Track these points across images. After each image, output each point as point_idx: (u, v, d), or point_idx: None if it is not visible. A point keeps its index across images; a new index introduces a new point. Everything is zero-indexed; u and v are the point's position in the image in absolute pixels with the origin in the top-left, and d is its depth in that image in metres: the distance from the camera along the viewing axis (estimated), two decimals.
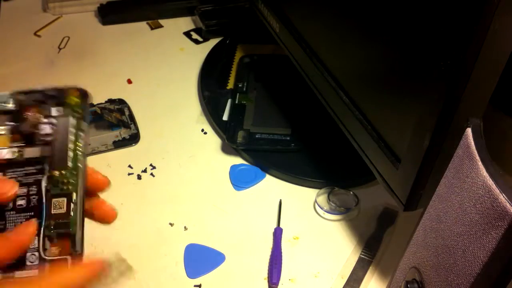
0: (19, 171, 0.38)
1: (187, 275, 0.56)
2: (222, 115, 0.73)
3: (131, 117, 0.73)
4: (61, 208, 0.38)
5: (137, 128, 0.72)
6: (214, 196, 0.64)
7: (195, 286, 0.55)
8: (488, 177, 0.33)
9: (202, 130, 0.73)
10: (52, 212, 0.38)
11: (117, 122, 0.72)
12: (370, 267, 0.57)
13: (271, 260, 0.57)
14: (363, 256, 0.58)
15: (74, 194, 0.38)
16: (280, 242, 0.59)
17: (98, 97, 0.75)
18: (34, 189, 0.38)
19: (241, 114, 0.71)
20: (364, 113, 0.52)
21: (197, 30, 0.93)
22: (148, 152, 0.69)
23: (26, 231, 0.36)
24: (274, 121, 0.71)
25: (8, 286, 0.34)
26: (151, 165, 0.68)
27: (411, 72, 0.44)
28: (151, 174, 0.67)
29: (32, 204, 0.38)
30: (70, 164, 0.39)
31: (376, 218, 0.62)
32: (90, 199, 0.42)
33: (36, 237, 0.37)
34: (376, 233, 0.60)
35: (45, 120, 0.40)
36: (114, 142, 0.70)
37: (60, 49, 0.87)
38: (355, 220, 0.62)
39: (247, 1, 0.90)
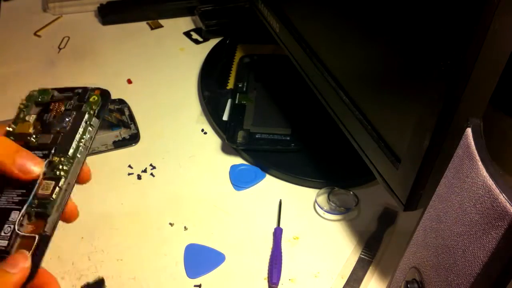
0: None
1: (187, 275, 0.56)
2: (222, 115, 0.73)
3: (131, 117, 0.73)
4: (47, 190, 0.40)
5: (137, 128, 0.72)
6: (214, 196, 0.64)
7: (195, 286, 0.55)
8: (488, 177, 0.33)
9: (202, 130, 0.73)
10: (39, 192, 0.40)
11: (117, 122, 0.72)
12: (370, 267, 0.57)
13: (271, 260, 0.57)
14: (363, 256, 0.58)
15: (63, 180, 0.41)
16: (280, 242, 0.59)
17: None
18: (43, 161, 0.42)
19: (241, 114, 0.71)
20: (364, 113, 0.52)
21: (197, 30, 0.93)
22: (148, 152, 0.69)
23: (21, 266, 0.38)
24: (274, 121, 0.71)
25: None
26: (151, 165, 0.68)
27: (411, 72, 0.44)
28: (151, 174, 0.67)
29: (28, 183, 0.40)
30: (70, 152, 0.42)
31: (376, 218, 0.62)
32: None
33: (18, 212, 0.40)
34: (376, 233, 0.60)
35: (65, 113, 0.45)
36: (114, 142, 0.70)
37: (60, 49, 0.87)
38: (355, 220, 0.62)
39: (247, 1, 0.90)
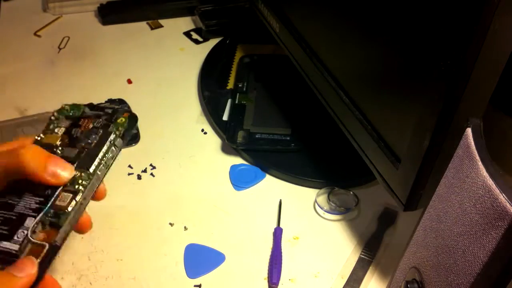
0: None
1: (187, 275, 0.56)
2: (222, 115, 0.73)
3: None
4: (64, 201, 0.42)
5: (137, 128, 0.72)
6: (214, 196, 0.64)
7: (195, 286, 0.55)
8: (488, 177, 0.33)
9: (202, 130, 0.73)
10: (56, 203, 0.41)
11: None
12: (370, 267, 0.57)
13: (271, 260, 0.57)
14: (363, 256, 0.58)
15: (80, 195, 0.42)
16: (280, 242, 0.59)
17: (98, 97, 0.75)
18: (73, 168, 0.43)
19: (241, 114, 0.71)
20: (364, 113, 0.52)
21: (197, 30, 0.93)
22: (148, 152, 0.69)
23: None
24: (274, 121, 0.71)
25: None
26: (151, 165, 0.68)
27: (411, 72, 0.44)
28: (151, 174, 0.67)
29: (47, 192, 0.42)
30: (91, 169, 0.44)
31: (376, 218, 0.62)
32: None
33: (33, 219, 0.41)
34: (376, 233, 0.60)
35: (93, 130, 0.46)
36: None
37: (60, 49, 0.87)
38: (355, 220, 0.62)
39: (247, 1, 0.90)
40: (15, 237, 0.39)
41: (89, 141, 0.45)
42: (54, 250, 0.40)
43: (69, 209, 0.41)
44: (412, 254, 0.45)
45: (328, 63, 0.58)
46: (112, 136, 0.46)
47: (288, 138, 0.69)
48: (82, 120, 0.47)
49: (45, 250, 0.39)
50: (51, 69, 0.83)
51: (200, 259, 0.57)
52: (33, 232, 0.40)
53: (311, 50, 0.61)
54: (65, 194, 0.42)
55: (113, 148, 0.45)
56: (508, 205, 0.31)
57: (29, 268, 0.37)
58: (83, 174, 0.43)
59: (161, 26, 0.94)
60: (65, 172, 0.41)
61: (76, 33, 0.90)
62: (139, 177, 0.66)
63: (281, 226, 0.61)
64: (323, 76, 0.58)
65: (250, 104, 0.73)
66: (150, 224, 0.61)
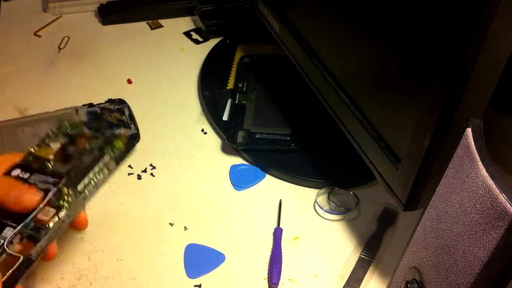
0: (42, 177, 0.44)
1: (187, 275, 0.56)
2: (222, 115, 0.73)
3: (131, 117, 0.73)
4: (46, 216, 0.42)
5: (137, 128, 0.72)
6: (214, 196, 0.64)
7: (195, 286, 0.55)
8: (488, 177, 0.33)
9: (202, 130, 0.73)
10: (38, 216, 0.41)
11: (117, 122, 0.72)
12: (370, 267, 0.57)
13: (271, 260, 0.57)
14: (363, 256, 0.58)
15: (63, 212, 0.42)
16: (280, 242, 0.59)
17: (98, 97, 0.75)
18: (41, 193, 0.43)
19: (241, 114, 0.71)
20: (364, 113, 0.52)
21: (197, 30, 0.93)
22: (148, 152, 0.69)
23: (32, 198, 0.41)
24: (274, 121, 0.71)
25: None
26: (151, 165, 0.68)
27: (411, 72, 0.44)
28: (151, 174, 0.67)
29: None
30: (79, 187, 0.44)
31: (376, 218, 0.62)
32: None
33: (12, 229, 0.41)
34: (376, 233, 0.60)
35: (88, 150, 0.46)
36: None
37: (60, 49, 0.87)
38: (355, 220, 0.62)
39: (247, 1, 0.90)
40: None
41: (82, 159, 0.45)
42: (27, 263, 0.39)
43: (51, 224, 0.41)
44: (412, 254, 0.45)
45: (328, 63, 0.58)
46: (106, 158, 0.46)
47: (288, 138, 0.69)
48: (79, 139, 0.47)
49: (18, 263, 0.39)
50: (51, 69, 0.83)
51: (200, 259, 0.57)
52: (10, 242, 0.40)
53: (311, 50, 0.61)
54: (49, 209, 0.42)
55: (105, 170, 0.46)
56: (508, 205, 0.31)
57: None
58: (70, 191, 0.43)
59: (161, 26, 0.94)
60: (30, 197, 0.41)
61: (76, 33, 0.90)
62: (139, 177, 0.66)
63: (281, 226, 0.61)
64: (323, 76, 0.58)
65: (250, 104, 0.73)
66: (150, 224, 0.61)
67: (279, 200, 0.64)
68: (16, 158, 0.45)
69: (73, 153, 0.46)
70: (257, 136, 0.68)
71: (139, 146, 0.71)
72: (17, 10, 0.96)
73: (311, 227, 0.61)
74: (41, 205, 0.42)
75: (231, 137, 0.68)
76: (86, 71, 0.83)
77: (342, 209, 0.62)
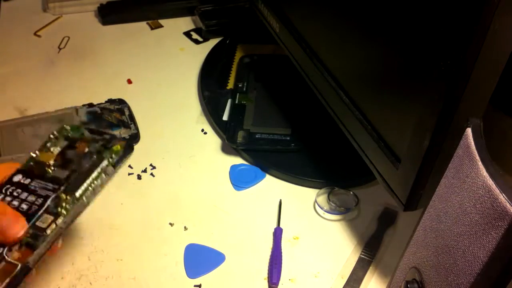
0: (42, 183, 0.45)
1: (187, 275, 0.56)
2: (222, 115, 0.73)
3: (131, 117, 0.73)
4: (44, 223, 0.42)
5: (137, 128, 0.72)
6: (214, 196, 0.64)
7: (195, 286, 0.55)
8: (488, 177, 0.33)
9: (202, 130, 0.73)
10: (36, 224, 0.42)
11: (117, 122, 0.72)
12: (370, 267, 0.57)
13: (271, 260, 0.57)
14: (363, 256, 0.58)
15: (61, 219, 0.42)
16: (280, 242, 0.59)
17: (98, 97, 0.75)
18: (40, 201, 0.43)
19: (241, 114, 0.71)
20: (364, 113, 0.52)
21: (197, 30, 0.93)
22: (148, 152, 0.69)
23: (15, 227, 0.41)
24: (274, 121, 0.71)
25: None
26: (151, 165, 0.68)
27: (411, 72, 0.44)
28: (151, 174, 0.67)
29: (31, 211, 0.42)
30: (77, 193, 0.44)
31: (376, 218, 0.62)
32: None
33: None
34: (376, 233, 0.60)
35: (87, 154, 0.46)
36: None
37: (60, 49, 0.87)
38: (355, 220, 0.62)
39: (247, 1, 0.90)
40: None
41: (81, 164, 0.46)
42: (25, 271, 0.40)
43: (48, 232, 0.41)
44: (412, 254, 0.45)
45: (328, 63, 0.58)
46: (104, 163, 0.46)
47: (288, 138, 0.69)
48: (79, 142, 0.48)
49: (16, 270, 0.39)
50: (51, 69, 0.83)
51: (200, 259, 0.57)
52: (9, 250, 0.40)
53: (311, 50, 0.61)
54: (47, 216, 0.42)
55: (103, 175, 0.45)
56: (508, 205, 0.31)
57: None
58: (68, 197, 0.43)
59: (161, 26, 0.94)
60: (15, 230, 0.41)
61: (76, 33, 0.90)
62: (139, 177, 0.66)
63: (281, 226, 0.61)
64: (323, 76, 0.58)
65: (250, 104, 0.73)
66: (150, 224, 0.61)
67: (279, 200, 0.64)
68: (9, 170, 0.46)
69: (72, 157, 0.46)
70: (257, 136, 0.68)
71: (139, 146, 0.71)
72: (17, 10, 0.96)
73: (311, 227, 0.61)
74: (39, 212, 0.42)
75: (231, 137, 0.68)
76: (86, 71, 0.83)
77: (342, 209, 0.62)
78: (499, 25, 0.35)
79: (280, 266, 0.56)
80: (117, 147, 0.47)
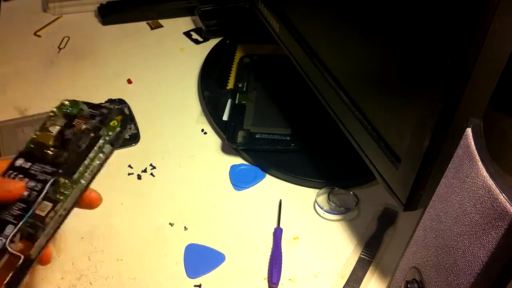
0: (41, 166, 0.44)
1: (187, 275, 0.56)
2: (222, 115, 0.73)
3: (131, 117, 0.73)
4: (43, 211, 0.41)
5: (137, 128, 0.72)
6: (214, 196, 0.64)
7: (195, 286, 0.55)
8: (488, 177, 0.33)
9: (202, 130, 0.73)
10: (36, 212, 0.41)
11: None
12: (370, 267, 0.57)
13: (271, 260, 0.57)
14: (363, 256, 0.58)
15: (60, 205, 0.41)
16: (280, 242, 0.59)
17: (98, 97, 0.75)
18: (39, 186, 0.42)
19: (241, 114, 0.71)
20: (364, 113, 0.52)
21: (197, 30, 0.93)
22: (148, 152, 0.69)
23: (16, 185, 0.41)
24: (274, 121, 0.71)
25: None
26: (151, 165, 0.68)
27: (411, 72, 0.44)
28: (151, 174, 0.67)
29: (30, 198, 0.42)
30: (75, 176, 0.43)
31: (376, 218, 0.62)
32: None
33: (13, 226, 0.40)
34: (376, 233, 0.60)
35: (84, 132, 0.45)
36: None
37: (60, 49, 0.87)
38: (355, 220, 0.62)
39: (247, 1, 0.90)
40: None
41: (79, 144, 0.44)
42: (28, 263, 0.39)
43: (47, 220, 0.41)
44: (412, 254, 0.45)
45: (328, 63, 0.58)
46: (100, 142, 0.45)
47: (288, 138, 0.69)
48: (77, 120, 0.46)
49: (19, 263, 0.39)
50: (51, 69, 0.83)
51: (200, 259, 0.57)
52: (12, 241, 0.40)
53: (311, 50, 0.61)
54: (46, 203, 0.42)
55: (100, 154, 0.44)
56: (508, 205, 0.31)
57: None
58: (66, 181, 0.43)
59: (161, 26, 0.94)
60: (13, 186, 0.41)
61: (76, 33, 0.90)
62: (139, 177, 0.66)
63: (281, 226, 0.61)
64: (323, 76, 0.58)
65: (250, 104, 0.73)
66: (150, 224, 0.61)
67: (279, 200, 0.64)
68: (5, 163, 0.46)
69: (70, 137, 0.45)
70: (257, 136, 0.68)
71: (139, 146, 0.71)
72: (17, 10, 0.96)
73: (311, 227, 0.61)
74: (39, 199, 0.42)
75: (231, 137, 0.68)
76: (86, 71, 0.83)
77: (342, 209, 0.62)
78: (499, 25, 0.35)
79: (280, 266, 0.56)
80: (114, 122, 0.46)
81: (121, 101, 0.75)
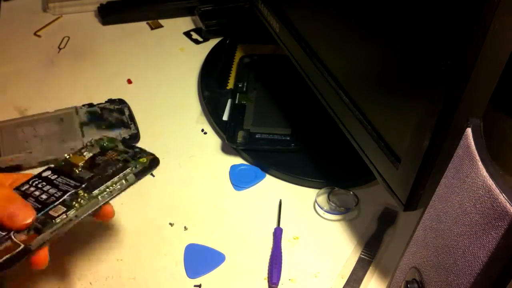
0: (66, 180, 0.48)
1: (187, 275, 0.56)
2: (222, 115, 0.73)
3: (131, 117, 0.73)
4: (56, 212, 0.44)
5: (137, 128, 0.72)
6: (214, 196, 0.64)
7: (195, 286, 0.55)
8: (488, 177, 0.33)
9: (202, 130, 0.73)
10: (49, 212, 0.44)
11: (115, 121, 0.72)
12: (370, 267, 0.57)
13: (271, 260, 0.57)
14: (363, 256, 0.58)
15: (73, 211, 0.44)
16: (280, 242, 0.59)
17: (98, 97, 0.75)
18: (59, 194, 0.46)
19: (241, 114, 0.71)
20: (364, 113, 0.52)
21: (197, 30, 0.93)
22: None
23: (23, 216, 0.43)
24: (274, 121, 0.71)
25: None
26: None
27: (411, 72, 0.44)
28: (151, 174, 0.66)
29: (48, 201, 0.45)
30: (94, 192, 0.46)
31: (376, 218, 0.62)
32: None
33: None
34: (376, 233, 0.60)
35: (114, 161, 0.50)
36: None
37: (60, 49, 0.87)
38: (355, 220, 0.62)
39: (247, 1, 0.90)
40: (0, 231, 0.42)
41: (106, 169, 0.49)
42: (25, 252, 0.41)
43: (57, 220, 0.43)
44: (412, 254, 0.45)
45: (328, 63, 0.58)
46: (127, 170, 0.49)
47: (288, 138, 0.69)
48: (111, 152, 0.51)
49: (17, 250, 0.41)
50: (51, 69, 0.83)
51: (200, 259, 0.57)
52: (17, 232, 0.42)
53: (311, 50, 0.61)
54: (60, 206, 0.44)
55: (123, 181, 0.48)
56: (508, 205, 0.31)
57: None
58: (85, 194, 0.46)
59: (161, 26, 0.94)
60: (23, 217, 0.42)
61: (76, 33, 0.90)
62: None
63: (281, 226, 0.61)
64: (323, 76, 0.58)
65: (250, 104, 0.73)
66: (150, 224, 0.61)
67: (279, 200, 0.64)
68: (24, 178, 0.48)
69: (100, 163, 0.50)
70: (257, 136, 0.68)
71: (139, 146, 0.71)
72: (17, 10, 0.96)
73: (311, 227, 0.61)
74: (56, 203, 0.44)
75: (231, 137, 0.68)
76: (86, 71, 0.83)
77: (342, 209, 0.62)
78: (499, 25, 0.35)
79: (280, 266, 0.56)
80: (144, 159, 0.51)
81: (121, 101, 0.75)
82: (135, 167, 0.49)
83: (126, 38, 0.91)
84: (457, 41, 0.36)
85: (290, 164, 0.67)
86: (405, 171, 0.46)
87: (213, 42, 0.89)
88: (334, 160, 0.68)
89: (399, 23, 0.44)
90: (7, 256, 0.40)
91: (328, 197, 0.63)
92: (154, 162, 0.51)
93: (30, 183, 0.47)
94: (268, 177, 0.67)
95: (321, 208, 0.63)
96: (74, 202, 0.45)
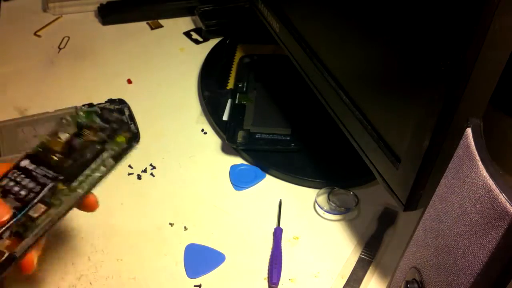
0: (44, 170, 0.45)
1: (187, 275, 0.56)
2: (222, 115, 0.73)
3: (131, 117, 0.73)
4: (36, 213, 0.42)
5: (137, 128, 0.72)
6: (214, 196, 0.64)
7: (195, 286, 0.55)
8: (488, 177, 0.33)
9: (202, 130, 0.73)
10: (29, 213, 0.42)
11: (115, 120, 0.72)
12: (370, 267, 0.57)
13: (271, 260, 0.57)
14: (363, 256, 0.58)
15: (53, 209, 0.43)
16: (280, 242, 0.59)
17: (98, 97, 0.75)
18: (38, 188, 0.44)
19: (241, 114, 0.71)
20: (364, 113, 0.52)
21: (197, 30, 0.93)
22: (148, 152, 0.69)
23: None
24: (274, 121, 0.71)
25: None
26: (151, 165, 0.68)
27: (411, 72, 0.44)
28: (151, 174, 0.67)
29: (27, 198, 0.43)
30: (73, 185, 0.44)
31: (376, 218, 0.62)
32: None
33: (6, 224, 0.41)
34: (376, 233, 0.60)
35: (91, 144, 0.47)
36: None
37: (60, 49, 0.87)
38: (355, 220, 0.62)
39: (247, 1, 0.90)
40: None
41: (83, 154, 0.46)
42: (11, 260, 0.40)
43: (38, 221, 0.42)
44: (412, 254, 0.45)
45: (328, 63, 0.58)
46: (104, 155, 0.46)
47: (288, 138, 0.69)
48: (87, 130, 0.48)
49: (3, 258, 0.39)
50: (51, 69, 0.83)
51: (200, 259, 0.57)
52: (0, 238, 0.40)
53: (311, 50, 0.61)
54: (41, 205, 0.43)
55: (102, 167, 0.46)
56: (508, 205, 0.31)
57: None
58: (64, 188, 0.44)
59: (161, 26, 0.94)
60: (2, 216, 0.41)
61: (76, 33, 0.90)
62: (139, 177, 0.66)
63: (281, 226, 0.61)
64: (323, 76, 0.58)
65: (250, 104, 0.73)
66: (150, 224, 0.61)
67: (279, 200, 0.64)
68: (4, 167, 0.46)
69: (78, 147, 0.47)
70: (257, 136, 0.68)
71: (139, 146, 0.70)
72: (17, 10, 0.96)
73: (311, 227, 0.61)
74: (34, 201, 0.43)
75: (231, 137, 0.68)
76: (86, 71, 0.83)
77: (342, 209, 0.62)
78: (499, 25, 0.35)
79: (280, 266, 0.56)
80: (121, 138, 0.48)
81: (121, 101, 0.75)
82: (112, 149, 0.47)
83: (126, 38, 0.91)
84: (457, 41, 0.36)
85: (290, 164, 0.67)
86: (405, 171, 0.46)
87: (213, 42, 0.89)
88: (334, 160, 0.68)
89: (399, 23, 0.44)
90: None
91: (328, 197, 0.63)
92: (133, 139, 0.48)
93: (9, 176, 0.45)
94: (268, 177, 0.67)
95: (321, 208, 0.63)
96: (53, 199, 0.43)
